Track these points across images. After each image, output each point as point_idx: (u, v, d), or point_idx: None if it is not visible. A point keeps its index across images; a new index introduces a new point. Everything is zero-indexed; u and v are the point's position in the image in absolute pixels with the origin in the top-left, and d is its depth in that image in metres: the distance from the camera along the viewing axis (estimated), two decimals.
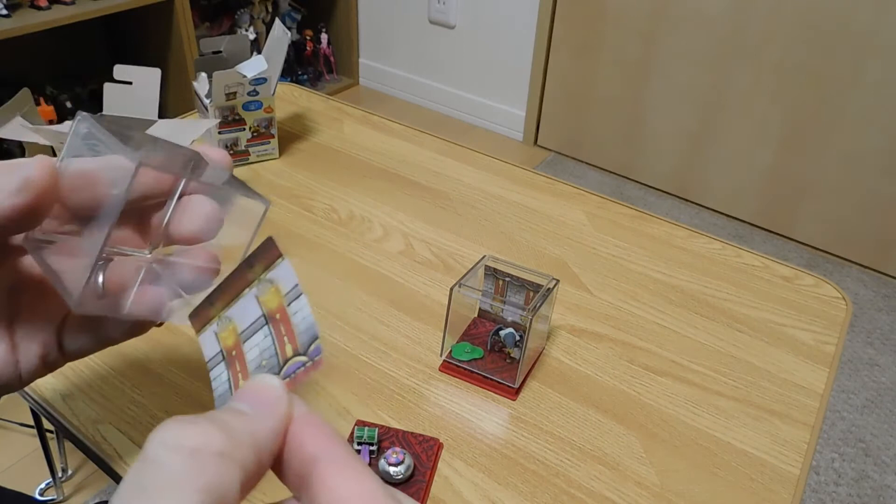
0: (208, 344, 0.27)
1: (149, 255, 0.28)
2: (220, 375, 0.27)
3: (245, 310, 0.27)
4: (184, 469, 0.17)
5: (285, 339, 0.25)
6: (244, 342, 0.26)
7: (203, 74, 0.81)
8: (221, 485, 0.17)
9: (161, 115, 0.74)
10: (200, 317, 0.28)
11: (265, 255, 0.27)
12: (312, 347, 0.25)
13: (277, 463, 0.20)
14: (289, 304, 0.26)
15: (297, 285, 0.26)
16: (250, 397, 0.21)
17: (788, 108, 1.84)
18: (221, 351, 0.27)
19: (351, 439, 0.47)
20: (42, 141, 0.68)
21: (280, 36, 0.80)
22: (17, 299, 0.31)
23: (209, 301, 0.28)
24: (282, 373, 0.25)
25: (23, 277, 0.31)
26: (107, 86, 0.75)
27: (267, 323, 0.26)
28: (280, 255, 0.26)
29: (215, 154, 0.30)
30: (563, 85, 2.24)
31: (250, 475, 0.19)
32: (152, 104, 0.75)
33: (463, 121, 2.53)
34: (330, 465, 0.19)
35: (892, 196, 1.77)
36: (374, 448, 0.47)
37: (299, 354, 0.25)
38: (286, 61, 1.25)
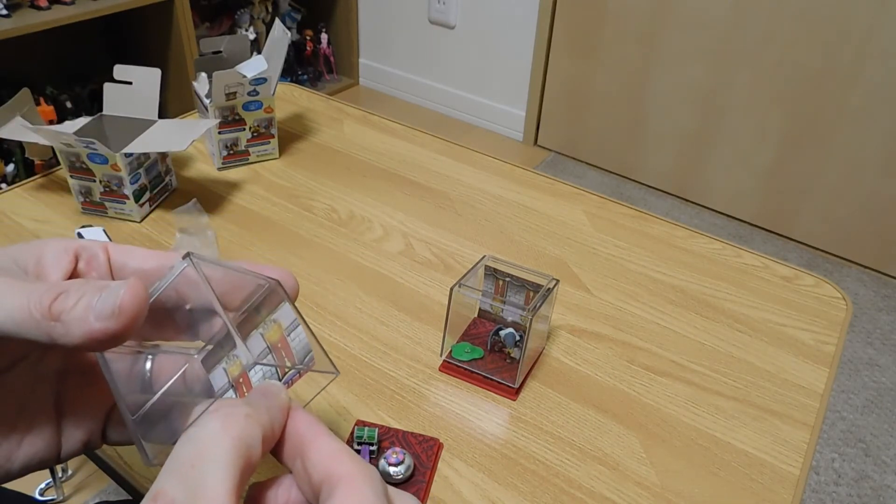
0: (218, 378, 0.30)
1: (195, 356, 0.30)
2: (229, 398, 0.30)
3: (252, 347, 0.31)
4: (221, 425, 0.24)
5: (285, 360, 0.30)
6: (249, 370, 0.30)
7: (203, 74, 0.81)
8: (249, 436, 0.24)
9: (161, 115, 0.75)
10: (211, 360, 0.31)
11: (270, 301, 0.31)
12: (307, 358, 0.31)
13: (278, 444, 0.26)
14: (288, 335, 0.31)
15: (295, 319, 0.31)
16: (259, 392, 0.27)
17: (788, 108, 1.84)
18: (229, 381, 0.30)
19: (351, 439, 0.47)
20: (42, 141, 0.68)
21: (280, 36, 0.80)
22: (67, 382, 0.32)
23: (220, 346, 0.31)
24: (281, 381, 0.30)
25: (74, 361, 0.32)
26: (107, 86, 0.75)
27: (270, 353, 0.30)
28: (283, 300, 0.31)
29: (284, 277, 0.32)
30: (563, 85, 2.24)
31: (267, 436, 0.25)
32: (152, 104, 0.75)
33: (463, 121, 2.53)
34: (318, 437, 0.26)
35: (892, 196, 1.77)
36: (374, 448, 0.47)
37: (295, 367, 0.30)
38: (286, 61, 1.25)
